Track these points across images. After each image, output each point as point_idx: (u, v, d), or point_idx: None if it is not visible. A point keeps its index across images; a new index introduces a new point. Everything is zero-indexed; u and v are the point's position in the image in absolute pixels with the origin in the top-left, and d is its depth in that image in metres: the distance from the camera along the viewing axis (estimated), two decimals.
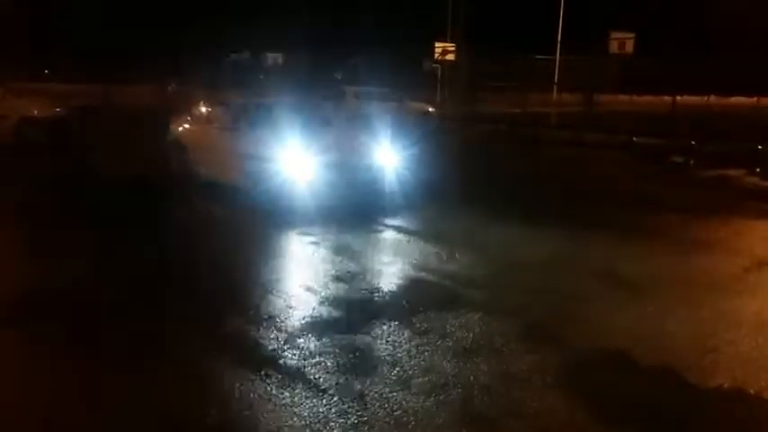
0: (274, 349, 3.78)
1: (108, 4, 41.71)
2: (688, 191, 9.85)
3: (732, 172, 11.48)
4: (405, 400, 3.22)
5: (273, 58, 37.35)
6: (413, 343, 3.91)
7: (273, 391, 3.27)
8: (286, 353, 3.73)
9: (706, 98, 33.40)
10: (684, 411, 3.27)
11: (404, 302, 4.63)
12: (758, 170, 11.73)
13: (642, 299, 4.81)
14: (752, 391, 3.40)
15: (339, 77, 38.60)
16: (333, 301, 4.59)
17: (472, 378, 3.47)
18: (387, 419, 3.04)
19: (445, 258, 5.77)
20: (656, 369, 3.67)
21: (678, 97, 24.14)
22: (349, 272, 5.30)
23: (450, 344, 3.91)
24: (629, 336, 4.11)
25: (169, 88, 37.30)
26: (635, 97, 33.44)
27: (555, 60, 34.93)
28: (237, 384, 3.33)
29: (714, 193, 9.77)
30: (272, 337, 3.95)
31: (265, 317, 4.26)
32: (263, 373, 3.46)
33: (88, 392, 3.31)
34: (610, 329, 4.22)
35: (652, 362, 3.75)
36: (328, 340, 3.91)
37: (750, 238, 6.78)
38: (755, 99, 31.42)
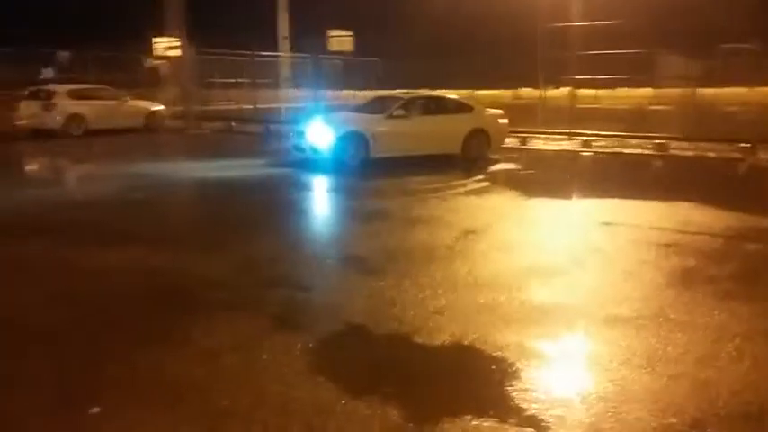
0: None
1: None
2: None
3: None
4: None
5: None
6: None
7: None
8: None
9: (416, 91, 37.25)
10: (415, 368, 3.64)
11: None
12: None
13: (374, 275, 5.22)
14: (466, 343, 3.92)
15: (49, 75, 34.42)
16: None
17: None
18: None
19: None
20: (389, 336, 4.02)
21: (394, 90, 26.54)
22: None
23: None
24: (365, 310, 4.43)
25: None
26: (357, 92, 35.91)
27: (280, 57, 35.67)
28: None
29: (428, 174, 10.95)
30: None
31: None
32: None
33: None
34: (349, 307, 4.50)
35: (385, 330, 4.10)
36: None
37: (459, 213, 7.76)
38: (455, 92, 35.99)
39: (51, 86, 18.34)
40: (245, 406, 3.17)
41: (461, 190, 9.32)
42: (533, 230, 7.09)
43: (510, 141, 14.27)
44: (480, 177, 10.45)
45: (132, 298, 4.78)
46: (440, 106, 12.76)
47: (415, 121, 11.93)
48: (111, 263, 5.61)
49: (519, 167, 12.10)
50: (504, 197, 8.97)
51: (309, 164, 11.28)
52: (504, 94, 33.14)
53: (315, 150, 11.26)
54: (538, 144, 15.24)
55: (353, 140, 11.24)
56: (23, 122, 16.74)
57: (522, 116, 16.08)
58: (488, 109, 13.39)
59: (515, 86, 34.67)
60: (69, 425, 3.03)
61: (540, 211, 8.06)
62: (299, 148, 11.75)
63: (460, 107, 12.95)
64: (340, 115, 13.02)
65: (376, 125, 11.55)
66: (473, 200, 8.66)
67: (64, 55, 36.32)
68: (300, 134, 11.69)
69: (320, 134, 11.23)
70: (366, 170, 10.91)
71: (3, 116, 18.12)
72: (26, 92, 17.45)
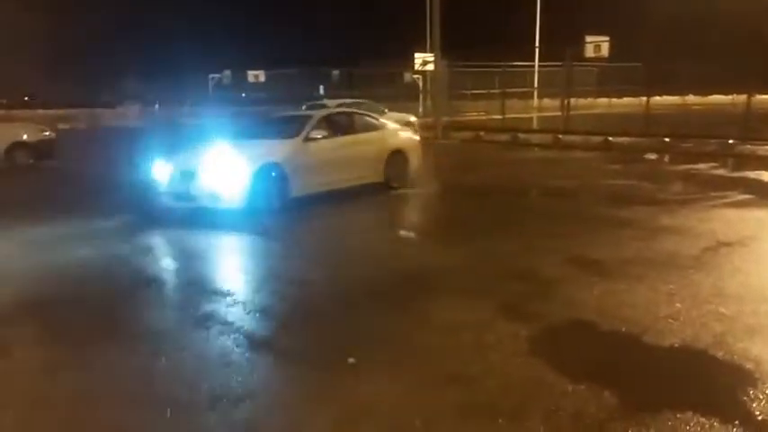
0: None
1: (86, 30, 42.19)
2: (659, 184, 10.31)
3: (702, 166, 12.02)
4: None
5: (254, 75, 37.86)
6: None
7: None
8: None
9: (683, 98, 34.27)
10: (638, 364, 3.70)
11: None
12: (729, 163, 12.28)
13: (608, 278, 5.24)
14: (699, 348, 3.82)
15: (321, 92, 39.16)
16: None
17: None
18: None
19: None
20: (616, 333, 4.09)
21: (657, 97, 24.75)
22: None
23: None
24: (594, 308, 4.53)
25: (155, 108, 37.76)
26: (613, 100, 34.23)
27: (533, 67, 35.67)
28: None
29: (683, 185, 10.25)
30: None
31: None
32: None
33: None
34: (579, 304, 4.64)
35: (613, 328, 4.17)
36: None
37: (712, 224, 7.22)
38: (731, 97, 32.26)
39: (323, 101, 20.99)
40: (472, 373, 3.57)
41: (719, 202, 8.60)
42: None
43: None
44: (742, 189, 9.48)
45: (386, 276, 5.52)
46: (352, 123, 10.09)
47: (334, 144, 9.21)
48: (372, 244, 6.50)
49: None
50: None
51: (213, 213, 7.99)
52: None
53: (213, 197, 7.88)
54: None
55: (270, 176, 8.17)
56: None
57: None
58: (393, 124, 10.77)
59: None
60: (329, 369, 3.73)
61: None
62: (180, 197, 8.15)
63: (370, 124, 10.30)
64: (239, 144, 8.76)
65: (293, 153, 8.60)
66: (732, 212, 7.96)
67: (335, 73, 41.02)
68: (186, 174, 8.10)
69: (225, 171, 7.93)
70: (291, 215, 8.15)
71: None
72: (303, 106, 20.22)
